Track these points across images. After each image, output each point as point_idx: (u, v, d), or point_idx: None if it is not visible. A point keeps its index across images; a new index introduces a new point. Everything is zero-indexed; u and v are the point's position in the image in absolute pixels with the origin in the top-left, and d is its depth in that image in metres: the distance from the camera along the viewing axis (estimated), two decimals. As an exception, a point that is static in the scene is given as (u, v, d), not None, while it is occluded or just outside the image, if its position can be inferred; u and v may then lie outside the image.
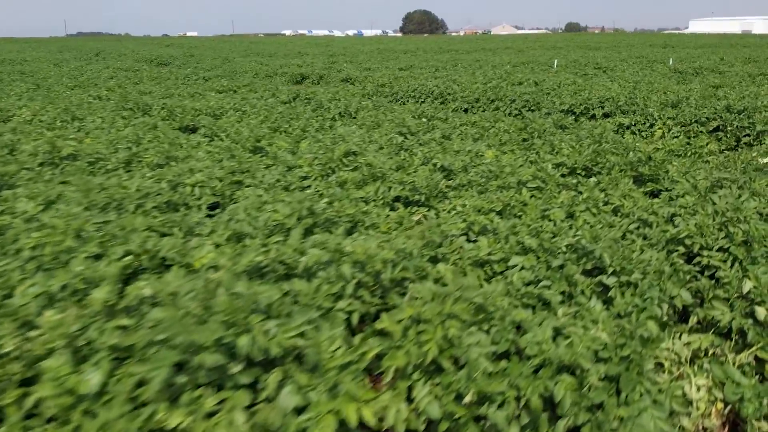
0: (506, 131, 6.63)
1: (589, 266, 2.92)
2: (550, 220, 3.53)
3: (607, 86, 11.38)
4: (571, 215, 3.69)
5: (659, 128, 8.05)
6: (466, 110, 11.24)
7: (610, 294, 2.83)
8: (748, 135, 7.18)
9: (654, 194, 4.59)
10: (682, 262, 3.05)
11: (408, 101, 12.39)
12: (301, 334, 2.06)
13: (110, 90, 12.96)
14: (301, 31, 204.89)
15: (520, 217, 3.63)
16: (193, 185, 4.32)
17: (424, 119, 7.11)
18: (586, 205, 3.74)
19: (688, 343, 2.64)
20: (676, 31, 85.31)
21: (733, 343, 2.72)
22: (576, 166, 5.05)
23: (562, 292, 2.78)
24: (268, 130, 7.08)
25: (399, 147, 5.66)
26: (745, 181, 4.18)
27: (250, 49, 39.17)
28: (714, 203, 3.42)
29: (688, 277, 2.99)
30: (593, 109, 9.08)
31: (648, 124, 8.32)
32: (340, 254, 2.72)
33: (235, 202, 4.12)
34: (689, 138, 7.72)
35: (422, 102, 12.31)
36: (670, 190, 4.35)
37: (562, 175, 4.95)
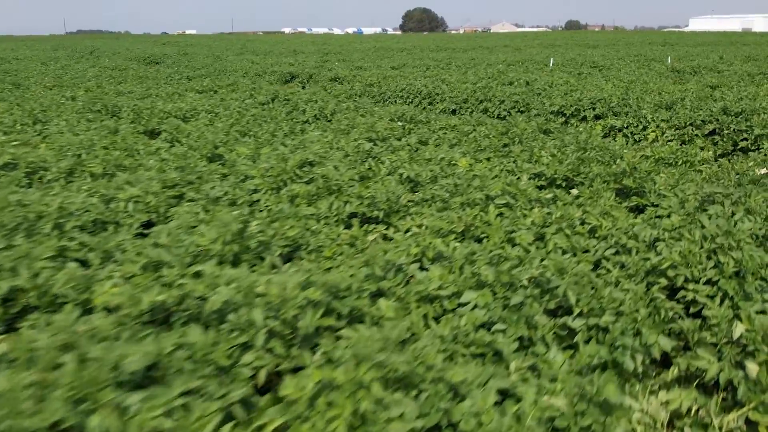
0: (487, 136, 6.19)
1: (552, 305, 2.49)
2: (515, 245, 3.10)
3: (600, 86, 10.94)
4: (541, 237, 3.25)
5: (652, 131, 7.62)
6: (454, 111, 10.81)
7: (576, 338, 2.40)
8: (746, 139, 6.74)
9: (639, 209, 4.16)
10: (663, 297, 2.61)
11: (396, 101, 11.96)
12: (170, 413, 1.63)
13: (88, 90, 12.53)
14: (300, 29, 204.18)
15: (481, 240, 3.20)
16: (127, 200, 3.89)
17: (399, 123, 6.67)
18: (559, 225, 3.30)
19: (667, 402, 2.20)
20: (677, 29, 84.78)
21: (720, 399, 2.29)
22: (556, 176, 4.62)
23: (520, 338, 2.35)
24: (237, 134, 6.65)
25: (366, 155, 5.22)
26: (739, 196, 3.75)
27: (246, 47, 38.66)
28: (702, 226, 2.98)
29: (670, 314, 2.56)
30: (584, 111, 8.64)
31: (641, 127, 7.88)
32: (255, 295, 2.29)
33: (170, 220, 3.69)
34: (684, 142, 7.28)
35: (410, 102, 11.88)
36: (657, 206, 3.92)
37: (540, 187, 4.52)
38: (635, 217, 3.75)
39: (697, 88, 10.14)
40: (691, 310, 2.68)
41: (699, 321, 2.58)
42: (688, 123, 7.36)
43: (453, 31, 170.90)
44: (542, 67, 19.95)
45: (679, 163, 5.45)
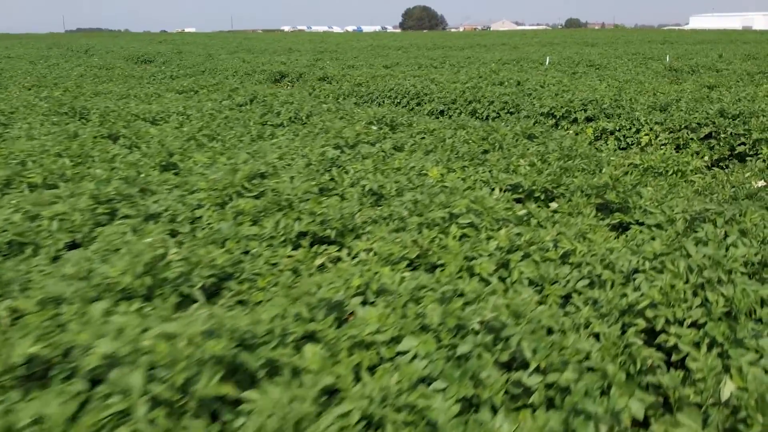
0: (466, 141, 5.79)
1: (506, 356, 2.09)
2: (474, 275, 2.70)
3: (594, 86, 10.53)
4: (505, 264, 2.85)
5: (645, 134, 7.21)
6: (442, 112, 10.41)
7: (533, 399, 2.00)
8: (744, 143, 6.33)
9: (623, 227, 3.75)
10: (640, 343, 2.21)
11: (384, 102, 11.55)
12: None
13: (66, 90, 12.13)
14: (300, 27, 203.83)
15: (434, 269, 2.79)
16: (51, 218, 3.49)
17: (375, 127, 6.26)
18: (528, 250, 2.90)
19: (638, 484, 1.80)
20: (677, 27, 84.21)
21: (705, 477, 1.89)
22: (534, 188, 4.21)
23: (462, 399, 1.95)
24: (205, 139, 6.25)
25: (331, 163, 4.82)
26: (733, 214, 3.34)
27: (242, 45, 38.22)
28: (688, 255, 2.58)
29: (648, 362, 2.17)
30: (575, 113, 8.23)
31: (634, 130, 7.48)
32: (143, 351, 1.89)
33: (95, 242, 3.29)
34: (678, 146, 6.88)
35: (398, 103, 11.48)
36: (641, 224, 3.51)
37: (518, 200, 4.12)
38: (616, 238, 3.35)
39: (694, 89, 9.73)
40: (673, 357, 2.28)
41: (682, 373, 2.18)
42: (682, 126, 6.96)
43: (453, 30, 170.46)
44: (537, 66, 19.54)
45: (670, 173, 5.04)
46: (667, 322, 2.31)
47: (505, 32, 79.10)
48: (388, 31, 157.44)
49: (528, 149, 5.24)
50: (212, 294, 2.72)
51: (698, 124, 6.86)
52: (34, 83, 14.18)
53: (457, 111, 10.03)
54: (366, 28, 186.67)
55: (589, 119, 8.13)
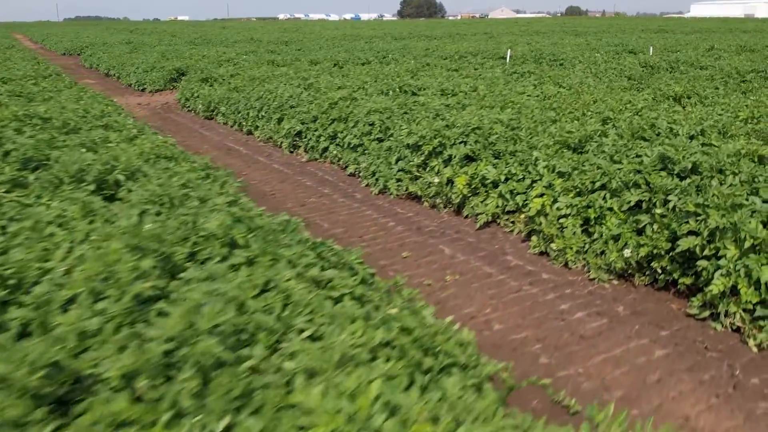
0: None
1: None
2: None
3: (526, 93, 7.59)
4: None
5: (538, 196, 4.31)
6: (299, 133, 7.53)
7: None
8: (695, 233, 3.39)
9: None
10: None
11: (248, 114, 8.63)
12: None
13: None
14: (297, 15, 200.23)
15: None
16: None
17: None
18: None
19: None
20: (678, 15, 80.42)
21: None
22: None
23: None
24: None
25: None
26: None
27: (215, 34, 35.07)
28: None
29: None
30: (450, 147, 5.31)
31: (528, 182, 4.57)
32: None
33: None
34: (587, 223, 4.01)
35: (262, 117, 8.58)
36: None
37: None
38: None
39: (649, 103, 6.76)
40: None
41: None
42: (596, 185, 4.04)
43: (451, 17, 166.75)
44: (492, 64, 16.61)
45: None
46: None
47: (501, 20, 75.82)
48: (384, 19, 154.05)
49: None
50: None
51: (623, 183, 3.93)
52: None
53: (316, 133, 7.11)
54: (364, 16, 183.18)
55: (469, 158, 5.21)
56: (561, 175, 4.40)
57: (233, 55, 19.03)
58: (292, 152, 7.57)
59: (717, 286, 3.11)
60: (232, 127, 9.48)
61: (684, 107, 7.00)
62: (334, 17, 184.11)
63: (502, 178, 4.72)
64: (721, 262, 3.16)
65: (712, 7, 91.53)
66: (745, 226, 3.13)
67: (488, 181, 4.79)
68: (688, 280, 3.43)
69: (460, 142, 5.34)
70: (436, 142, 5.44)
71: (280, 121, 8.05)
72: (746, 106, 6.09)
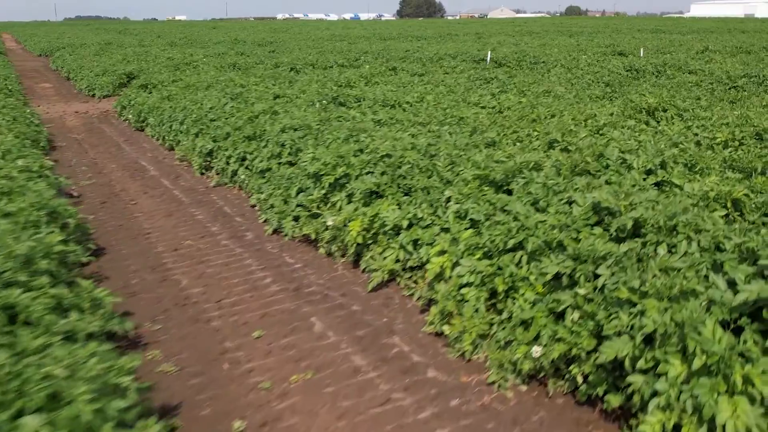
0: None
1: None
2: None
3: (483, 104, 6.54)
4: None
5: (436, 255, 3.25)
6: (210, 152, 6.49)
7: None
8: (630, 333, 2.34)
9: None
10: None
11: (171, 127, 7.58)
12: None
13: None
14: (296, 15, 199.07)
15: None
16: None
17: None
18: None
19: None
20: (677, 15, 79.05)
21: None
22: None
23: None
24: None
25: None
26: None
27: (202, 35, 34.05)
28: None
29: None
30: (354, 179, 4.25)
31: (437, 229, 3.51)
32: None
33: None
34: (497, 298, 2.98)
35: (182, 131, 7.54)
36: None
37: None
38: None
39: (615, 119, 5.69)
40: None
41: None
42: (510, 244, 2.98)
43: (450, 17, 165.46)
44: (478, 63, 15.58)
45: None
46: None
47: (499, 20, 74.74)
48: (383, 19, 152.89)
49: None
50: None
51: (545, 243, 2.86)
52: None
53: (226, 153, 6.06)
54: (363, 16, 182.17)
55: (376, 194, 4.15)
56: (473, 224, 3.35)
57: (201, 57, 17.99)
58: (203, 174, 6.51)
59: (651, 425, 2.04)
60: (157, 141, 8.42)
61: (658, 122, 5.94)
62: (333, 17, 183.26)
63: (405, 223, 3.66)
64: (660, 384, 2.10)
65: (712, 6, 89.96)
66: (695, 333, 2.07)
67: (388, 227, 3.73)
68: (616, 400, 2.36)
69: (367, 173, 4.28)
70: (340, 172, 4.37)
71: (197, 136, 7.00)
72: (727, 125, 5.01)
